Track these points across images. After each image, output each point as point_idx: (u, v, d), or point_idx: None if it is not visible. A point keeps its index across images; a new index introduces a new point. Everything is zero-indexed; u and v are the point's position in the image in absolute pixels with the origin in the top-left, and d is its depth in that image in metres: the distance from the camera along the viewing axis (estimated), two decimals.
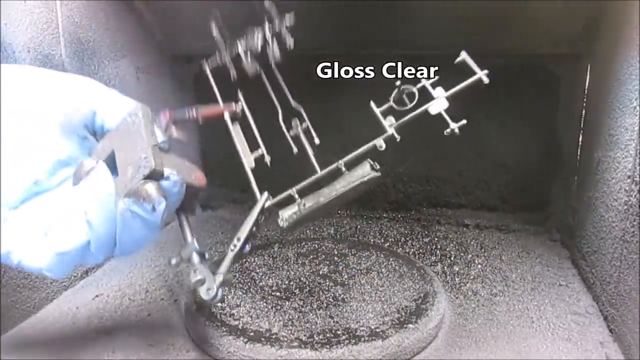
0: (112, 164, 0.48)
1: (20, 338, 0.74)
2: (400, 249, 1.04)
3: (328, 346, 0.65)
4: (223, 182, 1.27)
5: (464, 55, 0.54)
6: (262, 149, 0.60)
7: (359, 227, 1.17)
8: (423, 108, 0.55)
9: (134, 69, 1.07)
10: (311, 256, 0.93)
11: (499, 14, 0.94)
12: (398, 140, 0.55)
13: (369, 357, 0.65)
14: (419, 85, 0.56)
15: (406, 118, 0.55)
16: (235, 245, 0.57)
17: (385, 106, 0.56)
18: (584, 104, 1.00)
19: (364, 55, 1.09)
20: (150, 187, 0.44)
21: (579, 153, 1.03)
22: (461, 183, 1.22)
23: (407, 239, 1.09)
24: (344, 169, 0.56)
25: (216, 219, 1.21)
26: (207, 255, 0.56)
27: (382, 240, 1.09)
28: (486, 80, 0.53)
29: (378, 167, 0.56)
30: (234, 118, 0.61)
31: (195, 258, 0.55)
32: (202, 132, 1.28)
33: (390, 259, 0.91)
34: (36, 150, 0.46)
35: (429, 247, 1.05)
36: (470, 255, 1.00)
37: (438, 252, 1.02)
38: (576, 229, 0.98)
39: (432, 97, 0.55)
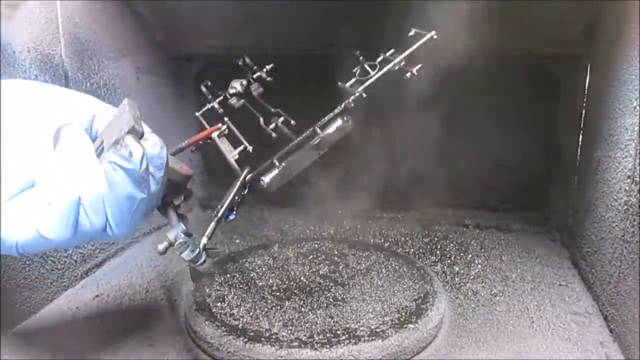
0: (102, 153, 0.49)
1: (20, 338, 0.74)
2: (400, 249, 1.04)
3: (328, 346, 0.65)
4: (223, 182, 1.27)
5: (413, 30, 0.64)
6: (245, 144, 0.65)
7: (359, 227, 1.17)
8: (385, 69, 0.62)
9: (134, 69, 1.07)
10: (311, 256, 0.93)
11: (499, 14, 0.94)
12: (365, 97, 0.62)
13: (369, 357, 0.65)
14: (379, 60, 0.63)
15: (371, 80, 0.62)
16: (217, 212, 0.59)
17: (352, 80, 0.64)
18: (584, 104, 1.00)
19: (364, 55, 1.10)
20: (128, 137, 0.46)
21: (579, 153, 1.03)
22: (461, 183, 1.22)
23: (407, 239, 1.09)
24: (319, 131, 0.61)
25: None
26: (193, 235, 0.57)
27: (382, 240, 1.09)
28: (435, 36, 0.62)
29: (349, 121, 0.62)
30: (220, 135, 0.67)
31: (180, 237, 0.56)
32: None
33: (390, 259, 0.91)
34: (36, 149, 0.48)
35: (429, 247, 1.05)
36: (470, 255, 1.00)
37: (438, 252, 1.02)
38: (576, 229, 0.98)
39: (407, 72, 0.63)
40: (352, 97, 0.62)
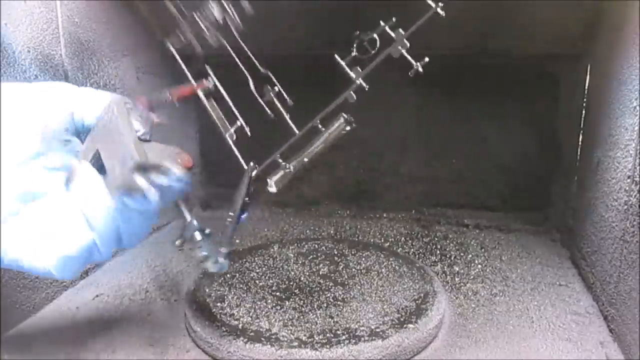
0: (98, 163, 0.48)
1: (20, 338, 0.74)
2: (400, 249, 1.04)
3: (328, 346, 0.65)
4: (223, 182, 1.27)
5: None
6: (241, 121, 0.60)
7: (359, 227, 1.17)
8: (386, 52, 0.56)
9: (134, 69, 1.07)
10: (311, 256, 0.93)
11: (499, 14, 0.94)
12: (367, 89, 0.58)
13: (369, 357, 0.65)
14: (378, 30, 0.57)
15: (371, 65, 0.57)
16: (230, 218, 0.58)
17: (348, 57, 0.58)
18: (584, 104, 1.00)
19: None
20: (138, 179, 0.45)
21: (579, 153, 1.03)
22: (461, 183, 1.22)
23: (407, 239, 1.09)
24: (320, 125, 0.59)
25: (216, 219, 1.21)
26: (208, 231, 0.55)
27: (382, 240, 1.09)
28: (442, 13, 0.55)
29: (351, 119, 0.59)
30: (207, 94, 0.61)
31: (197, 236, 0.54)
32: (202, 132, 1.29)
33: (390, 259, 0.91)
34: (20, 162, 0.47)
35: (429, 247, 1.05)
36: (470, 255, 1.00)
37: (438, 252, 1.02)
38: (576, 229, 0.98)
39: (402, 54, 0.57)
40: (353, 88, 0.58)
